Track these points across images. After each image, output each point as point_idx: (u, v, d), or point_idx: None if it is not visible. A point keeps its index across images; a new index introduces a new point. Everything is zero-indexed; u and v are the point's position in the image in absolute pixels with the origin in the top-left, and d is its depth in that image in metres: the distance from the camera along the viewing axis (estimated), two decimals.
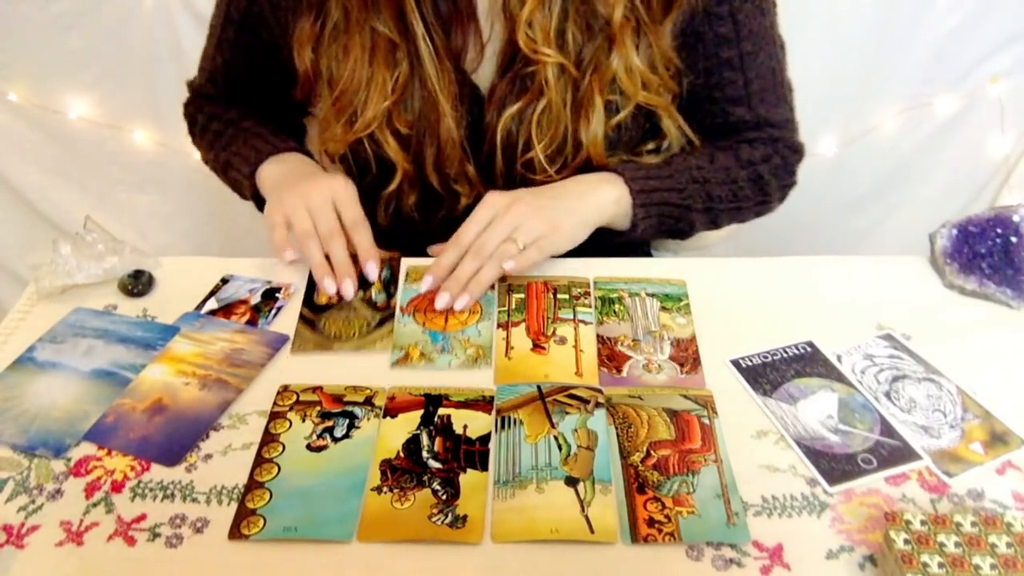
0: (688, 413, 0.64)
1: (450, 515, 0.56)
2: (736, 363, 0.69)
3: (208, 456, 0.61)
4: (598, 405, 0.64)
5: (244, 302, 0.77)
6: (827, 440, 0.62)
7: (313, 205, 0.76)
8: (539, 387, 0.66)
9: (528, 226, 0.74)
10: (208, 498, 0.58)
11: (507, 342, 0.71)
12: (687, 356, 0.70)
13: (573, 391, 0.66)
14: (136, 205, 1.52)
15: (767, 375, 0.68)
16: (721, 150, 0.85)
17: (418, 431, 0.62)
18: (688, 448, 0.61)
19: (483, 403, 0.65)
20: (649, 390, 0.66)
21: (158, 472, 0.60)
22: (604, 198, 0.79)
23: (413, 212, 0.87)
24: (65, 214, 1.48)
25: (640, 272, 0.79)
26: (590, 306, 0.75)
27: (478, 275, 0.73)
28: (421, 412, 0.64)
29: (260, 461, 0.60)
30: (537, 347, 0.71)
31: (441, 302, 0.73)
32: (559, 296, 0.76)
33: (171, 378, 0.67)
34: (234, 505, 0.57)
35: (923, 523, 0.51)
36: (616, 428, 0.62)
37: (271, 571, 0.53)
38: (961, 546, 0.49)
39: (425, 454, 0.60)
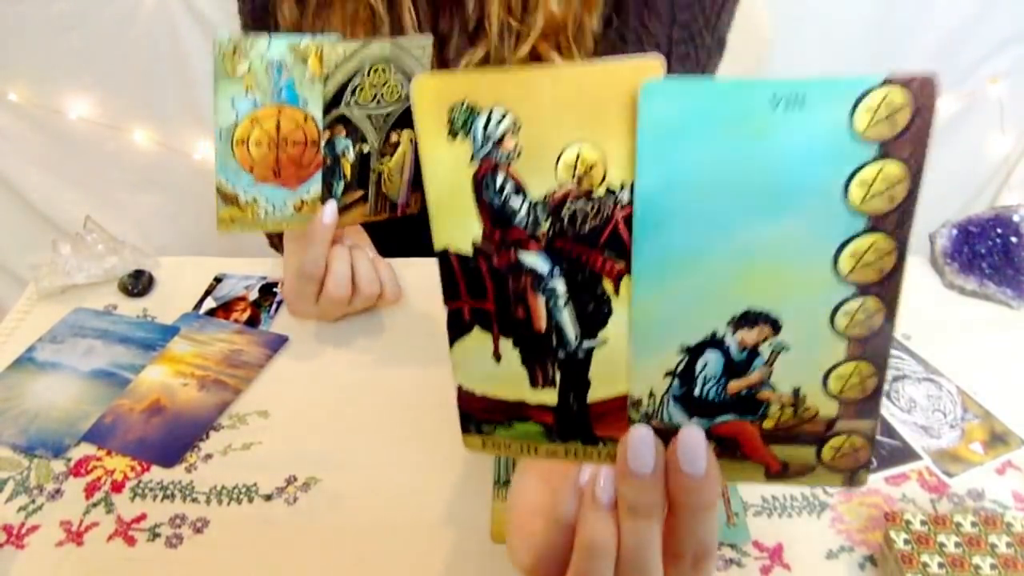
0: None
1: None
2: None
3: (208, 456, 0.61)
4: None
5: (243, 299, 0.77)
6: None
7: None
8: None
9: None
10: (208, 498, 0.58)
11: None
12: None
13: None
14: (136, 205, 1.52)
15: None
16: None
17: None
18: None
19: None
20: None
21: (158, 472, 0.60)
22: None
23: None
24: (65, 214, 1.47)
25: None
26: None
27: None
28: None
29: None
30: None
31: None
32: None
33: (169, 379, 0.67)
34: (234, 505, 0.57)
35: (923, 523, 0.51)
36: None
37: (271, 571, 0.53)
38: (961, 546, 0.49)
39: None
